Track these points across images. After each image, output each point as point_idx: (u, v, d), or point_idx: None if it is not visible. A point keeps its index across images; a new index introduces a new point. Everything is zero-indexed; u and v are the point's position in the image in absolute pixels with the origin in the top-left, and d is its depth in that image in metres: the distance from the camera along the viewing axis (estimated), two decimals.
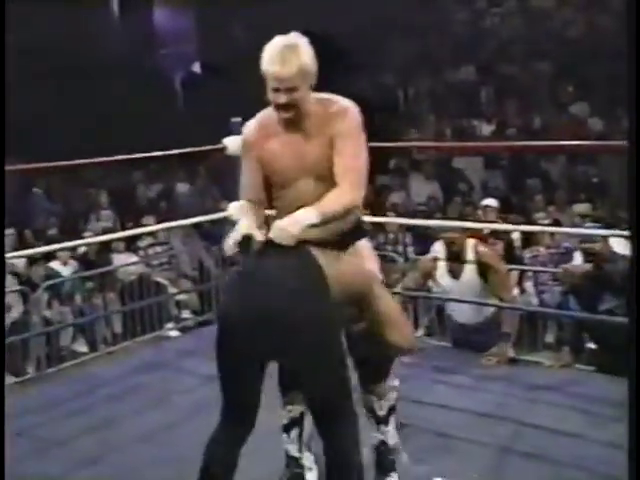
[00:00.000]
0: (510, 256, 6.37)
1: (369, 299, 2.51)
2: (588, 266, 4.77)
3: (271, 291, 2.26)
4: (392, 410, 2.84)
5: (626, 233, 3.67)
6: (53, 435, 3.54)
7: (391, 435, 2.86)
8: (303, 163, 2.52)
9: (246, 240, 2.39)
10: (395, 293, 4.72)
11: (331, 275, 2.33)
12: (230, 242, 2.41)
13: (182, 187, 10.32)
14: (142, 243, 7.81)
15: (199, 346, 4.52)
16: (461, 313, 4.74)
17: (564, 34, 11.77)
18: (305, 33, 2.47)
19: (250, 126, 2.65)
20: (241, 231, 2.41)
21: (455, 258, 4.64)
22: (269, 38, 2.46)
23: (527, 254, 6.65)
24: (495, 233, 6.33)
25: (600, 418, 3.40)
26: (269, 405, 2.50)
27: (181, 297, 7.24)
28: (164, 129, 9.94)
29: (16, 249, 6.78)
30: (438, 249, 4.82)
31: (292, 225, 2.34)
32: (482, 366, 4.30)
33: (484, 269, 4.55)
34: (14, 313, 6.39)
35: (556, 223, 6.84)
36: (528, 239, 6.77)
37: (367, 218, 3.47)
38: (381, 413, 2.82)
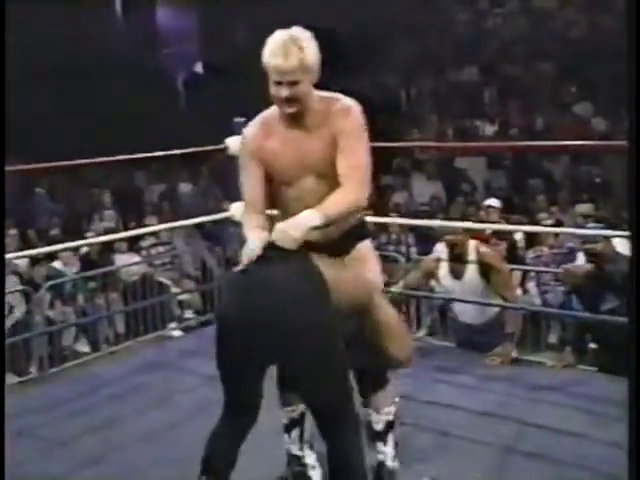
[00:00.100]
0: (513, 256, 6.36)
1: (369, 309, 2.49)
2: (590, 266, 4.76)
3: (270, 296, 2.25)
4: (390, 427, 2.77)
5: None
6: (56, 435, 3.54)
7: (390, 456, 2.78)
8: (304, 161, 2.49)
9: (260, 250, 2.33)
10: (397, 292, 4.72)
11: (332, 283, 2.31)
12: (245, 260, 2.34)
13: (185, 187, 10.33)
14: (145, 243, 7.81)
15: (202, 346, 4.51)
16: (465, 313, 4.73)
17: (567, 34, 11.77)
18: (308, 28, 2.44)
19: (250, 127, 2.60)
20: (253, 248, 2.35)
21: (457, 259, 4.64)
22: None
23: (530, 254, 6.64)
24: (498, 233, 6.33)
25: (603, 418, 3.39)
26: (269, 405, 2.50)
27: (184, 297, 7.24)
28: (166, 129, 9.94)
29: (20, 249, 6.79)
30: (441, 250, 4.81)
31: (294, 228, 2.30)
32: (485, 366, 4.30)
33: (486, 269, 4.54)
34: (17, 313, 6.40)
35: (559, 223, 6.84)
36: (531, 239, 6.76)
37: (369, 218, 3.47)
38: (378, 428, 2.75)
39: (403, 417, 2.94)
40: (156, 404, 3.86)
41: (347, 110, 2.48)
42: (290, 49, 2.35)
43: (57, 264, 7.08)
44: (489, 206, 7.00)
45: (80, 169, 9.23)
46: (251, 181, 2.56)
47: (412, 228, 7.27)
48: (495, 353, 4.40)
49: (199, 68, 15.00)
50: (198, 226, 7.52)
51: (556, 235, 6.52)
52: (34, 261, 6.94)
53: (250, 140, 2.57)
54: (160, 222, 7.59)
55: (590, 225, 5.58)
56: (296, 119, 2.47)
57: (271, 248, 2.32)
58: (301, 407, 2.78)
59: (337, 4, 12.18)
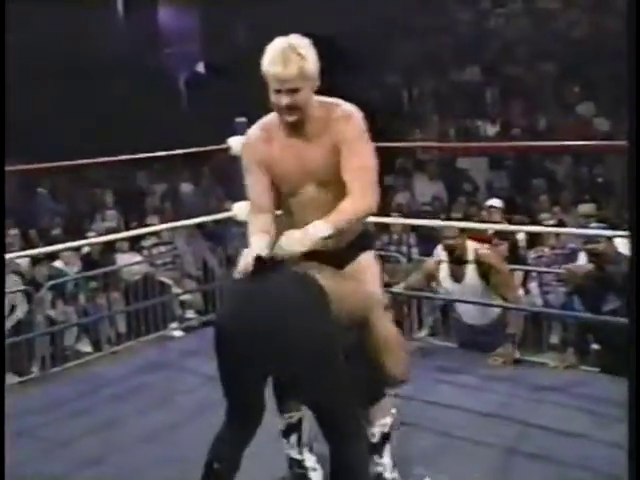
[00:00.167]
0: (515, 257, 6.36)
1: (368, 323, 2.47)
2: (591, 266, 4.76)
3: (270, 305, 2.24)
4: (386, 439, 2.74)
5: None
6: (56, 435, 3.54)
7: (388, 468, 2.74)
8: (306, 168, 2.48)
9: (258, 261, 2.32)
10: (398, 293, 4.72)
11: (331, 294, 2.30)
12: (242, 265, 2.33)
13: (186, 187, 10.33)
14: (146, 243, 7.81)
15: (203, 346, 4.48)
16: (467, 314, 4.72)
17: (569, 34, 11.75)
18: (307, 35, 2.43)
19: (253, 131, 2.59)
20: (253, 253, 2.34)
21: (457, 262, 4.63)
22: (273, 38, 2.43)
23: (532, 255, 6.63)
24: (500, 233, 6.32)
25: (605, 419, 3.38)
26: (271, 408, 2.49)
27: (185, 297, 7.24)
28: (168, 129, 9.94)
29: (21, 249, 6.79)
30: (441, 252, 4.80)
31: (301, 240, 2.29)
32: (487, 366, 4.29)
33: (485, 270, 4.52)
34: (18, 313, 6.41)
35: (561, 224, 6.83)
36: (533, 240, 6.75)
37: (372, 218, 3.46)
38: (374, 440, 2.71)
39: (405, 418, 2.93)
40: (157, 404, 3.85)
41: (348, 117, 2.47)
42: (289, 57, 2.34)
43: (59, 264, 7.08)
44: (491, 206, 6.99)
45: (82, 169, 9.23)
46: (258, 182, 2.55)
47: (414, 228, 7.27)
48: (497, 354, 4.40)
49: (201, 68, 15.00)
50: (200, 226, 7.53)
51: (558, 235, 6.51)
52: (36, 261, 6.95)
53: (253, 144, 2.56)
54: (162, 222, 7.59)
55: (592, 225, 5.58)
56: (296, 127, 2.46)
57: (271, 258, 2.31)
58: (299, 413, 2.77)
59: (339, 4, 12.17)
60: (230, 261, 6.81)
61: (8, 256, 5.32)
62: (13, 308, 6.38)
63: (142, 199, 10.09)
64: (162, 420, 3.63)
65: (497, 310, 4.59)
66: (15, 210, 8.51)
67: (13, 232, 7.59)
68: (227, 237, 7.42)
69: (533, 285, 6.37)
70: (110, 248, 7.49)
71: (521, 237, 6.80)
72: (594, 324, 4.52)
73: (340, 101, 2.52)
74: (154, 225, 7.19)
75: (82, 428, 3.57)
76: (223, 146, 4.52)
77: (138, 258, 7.54)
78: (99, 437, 3.47)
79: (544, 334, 5.37)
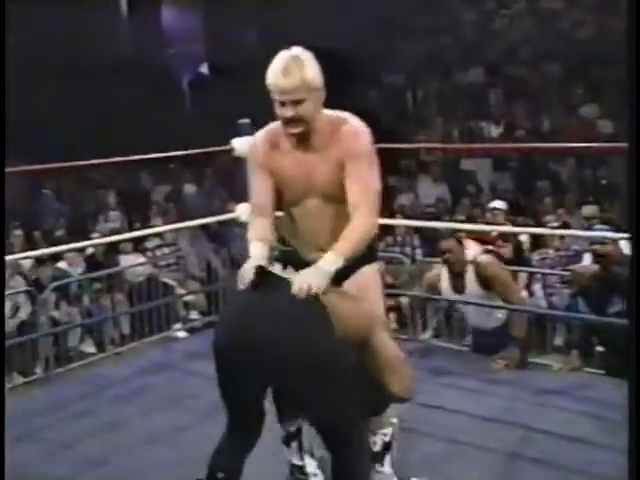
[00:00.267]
0: (519, 258, 6.34)
1: (370, 343, 2.46)
2: (596, 267, 4.74)
3: (270, 319, 2.23)
4: (387, 448, 2.74)
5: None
6: (60, 437, 3.54)
7: (388, 477, 2.75)
8: (310, 181, 2.47)
9: (258, 272, 2.32)
10: (404, 295, 4.72)
11: (331, 309, 2.28)
12: (244, 279, 2.32)
13: (190, 188, 10.33)
14: (150, 244, 7.81)
15: (207, 347, 4.47)
16: (475, 318, 4.72)
17: (573, 36, 11.72)
18: (309, 48, 2.43)
19: (260, 137, 2.58)
20: (253, 265, 2.33)
21: (456, 276, 4.61)
22: (277, 39, 2.43)
23: (535, 256, 6.62)
24: (503, 235, 6.31)
25: (610, 423, 3.35)
26: (271, 413, 2.49)
27: (189, 298, 7.24)
28: (171, 130, 9.94)
29: (25, 250, 6.79)
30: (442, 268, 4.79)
31: (315, 276, 2.27)
32: (490, 369, 4.28)
33: (485, 280, 4.50)
34: (22, 313, 6.41)
35: (565, 225, 6.82)
36: (537, 241, 6.74)
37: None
38: (375, 449, 2.71)
39: (407, 423, 2.92)
40: (161, 406, 3.85)
41: (356, 133, 2.45)
42: (290, 68, 2.35)
43: (62, 265, 7.09)
44: (495, 208, 6.99)
45: (86, 170, 9.23)
46: (260, 185, 2.56)
47: (417, 230, 7.27)
48: (500, 357, 4.38)
49: (204, 69, 14.99)
50: (203, 227, 7.53)
51: (562, 237, 6.50)
52: (39, 262, 6.95)
53: (260, 149, 2.56)
54: (165, 223, 7.59)
55: (596, 227, 5.57)
56: (302, 139, 2.45)
57: (269, 273, 2.31)
58: (298, 422, 2.77)
59: (342, 5, 12.16)
60: (233, 262, 6.80)
61: (12, 257, 5.33)
62: (17, 309, 6.39)
63: (146, 200, 10.10)
64: (166, 421, 3.62)
65: (502, 315, 4.57)
66: (20, 211, 8.52)
67: (17, 233, 7.60)
68: (230, 238, 7.41)
69: (537, 287, 6.36)
70: (114, 249, 7.50)
71: (525, 239, 6.79)
72: (599, 326, 4.51)
73: (348, 116, 2.51)
74: (158, 226, 7.19)
75: (86, 429, 3.57)
76: (227, 147, 4.52)
77: (142, 259, 7.54)
78: (102, 438, 3.47)
79: (548, 336, 5.35)
